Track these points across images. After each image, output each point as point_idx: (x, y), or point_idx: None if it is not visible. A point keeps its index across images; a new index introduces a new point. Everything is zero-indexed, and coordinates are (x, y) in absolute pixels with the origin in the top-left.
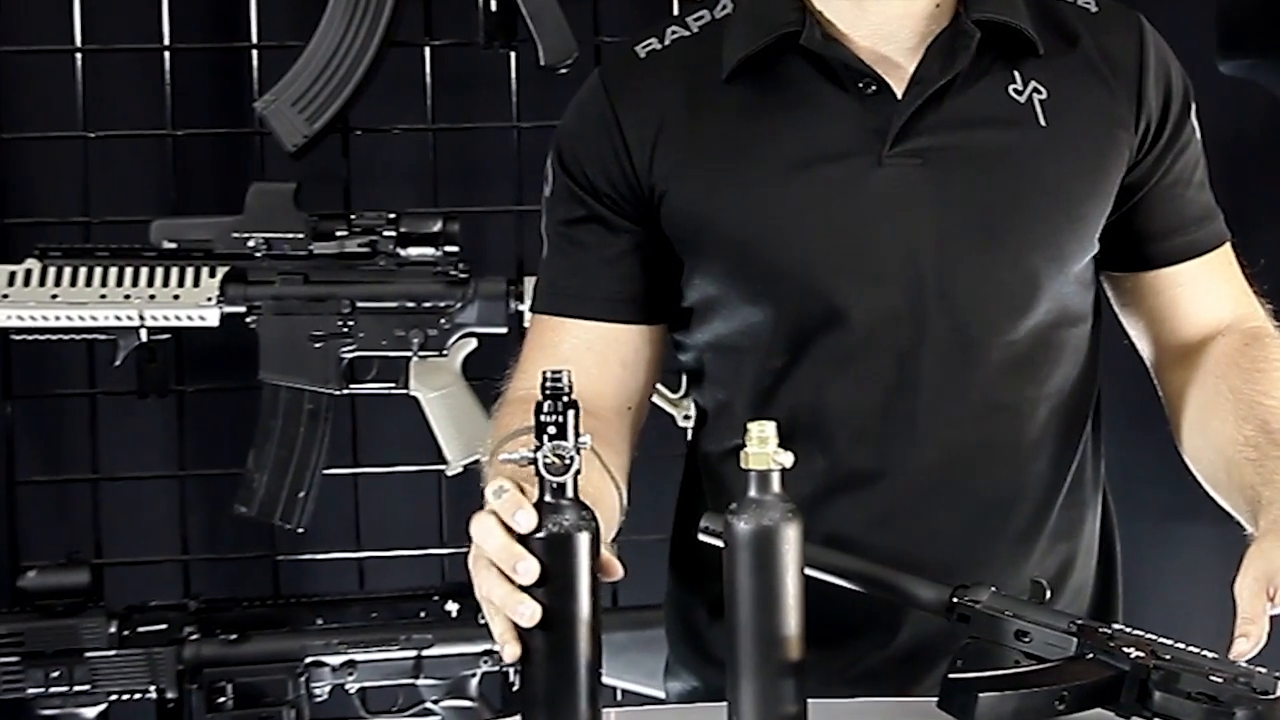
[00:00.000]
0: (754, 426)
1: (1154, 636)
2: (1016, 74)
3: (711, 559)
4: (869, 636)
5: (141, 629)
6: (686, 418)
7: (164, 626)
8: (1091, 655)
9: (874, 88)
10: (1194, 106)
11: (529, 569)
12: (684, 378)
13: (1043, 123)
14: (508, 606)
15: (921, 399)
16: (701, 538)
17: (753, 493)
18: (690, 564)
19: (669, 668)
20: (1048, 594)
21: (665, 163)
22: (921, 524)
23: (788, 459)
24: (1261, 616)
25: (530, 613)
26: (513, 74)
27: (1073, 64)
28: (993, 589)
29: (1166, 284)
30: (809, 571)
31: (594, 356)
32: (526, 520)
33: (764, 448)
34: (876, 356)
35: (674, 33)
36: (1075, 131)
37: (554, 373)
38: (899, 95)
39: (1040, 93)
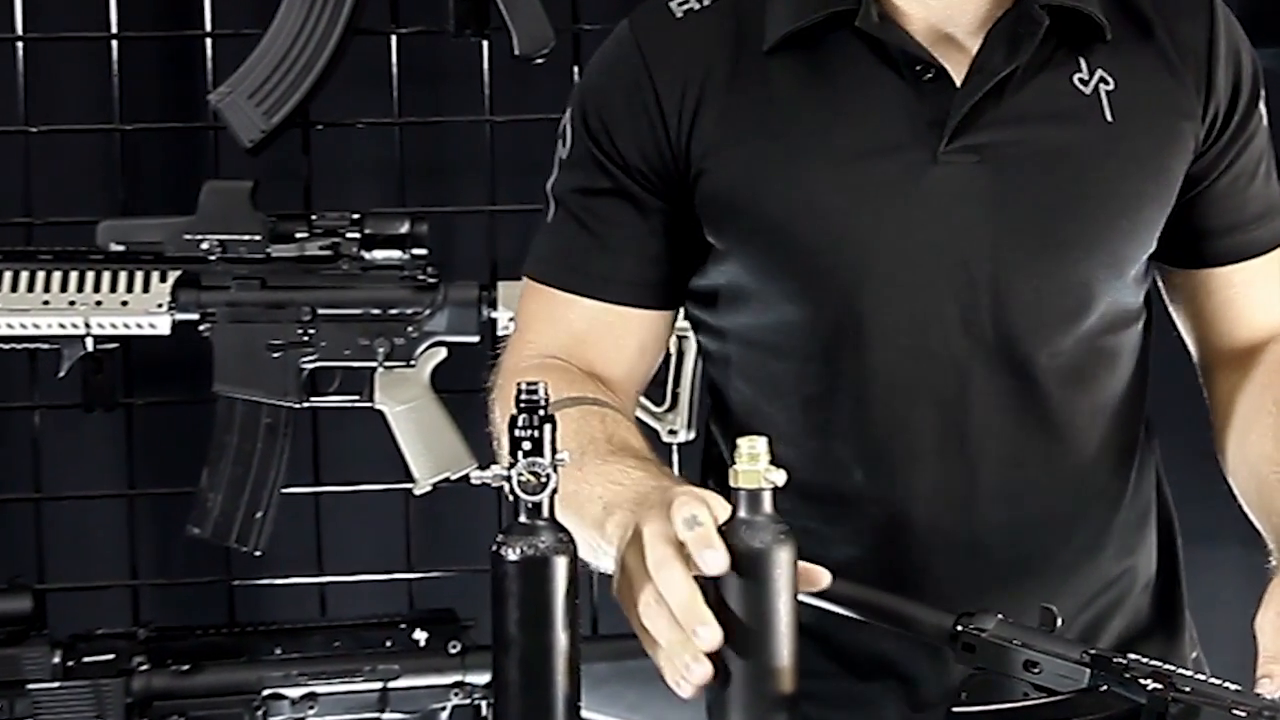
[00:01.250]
0: (744, 442)
1: (1172, 667)
2: (1083, 61)
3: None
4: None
5: (87, 659)
6: (671, 432)
7: (111, 656)
8: (1106, 687)
9: (931, 74)
10: (1264, 93)
11: (710, 637)
12: (669, 388)
13: (1109, 118)
14: (676, 655)
15: (973, 414)
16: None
17: (742, 513)
18: None
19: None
20: (1058, 622)
21: (704, 138)
22: (974, 544)
23: (780, 477)
24: None
25: (704, 673)
26: (485, 64)
27: (1141, 50)
28: (999, 616)
29: (1222, 283)
30: (805, 599)
31: (612, 339)
32: (716, 563)
33: (755, 465)
34: (924, 369)
35: None
36: (1141, 129)
37: (529, 384)
38: (958, 84)
39: (1107, 83)
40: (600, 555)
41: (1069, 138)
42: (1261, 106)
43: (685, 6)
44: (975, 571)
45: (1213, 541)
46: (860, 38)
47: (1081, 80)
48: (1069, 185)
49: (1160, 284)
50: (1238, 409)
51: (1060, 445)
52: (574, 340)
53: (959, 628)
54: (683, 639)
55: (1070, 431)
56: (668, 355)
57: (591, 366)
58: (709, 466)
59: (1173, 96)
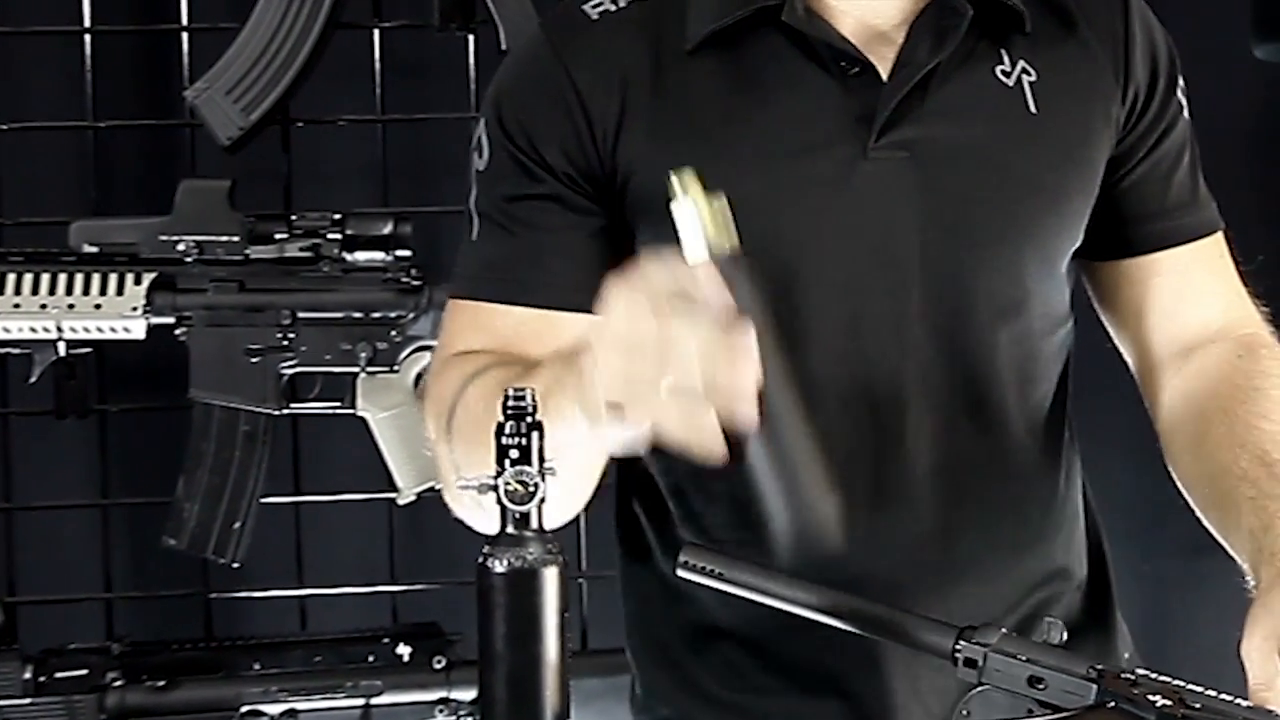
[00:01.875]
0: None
1: (1182, 682)
2: (1004, 53)
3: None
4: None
5: (60, 674)
6: None
7: (85, 672)
8: (1113, 704)
9: (858, 69)
10: (1180, 81)
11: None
12: None
13: (1032, 109)
14: (736, 386)
15: (908, 414)
16: (681, 574)
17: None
18: (651, 584)
19: (637, 699)
20: (1064, 636)
21: (631, 143)
22: (910, 544)
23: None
24: (1276, 678)
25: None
26: (471, 60)
27: (1061, 40)
28: (1003, 630)
29: (1149, 272)
30: (802, 612)
31: (540, 346)
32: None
33: None
34: (858, 370)
35: None
36: (1064, 119)
37: (517, 390)
38: (884, 78)
39: (1029, 74)
40: (554, 444)
41: (993, 131)
42: (1180, 95)
43: (600, 8)
44: (910, 570)
45: (1196, 555)
46: (785, 35)
47: (1004, 72)
48: (997, 181)
49: (1089, 285)
50: (1183, 417)
51: (994, 446)
52: (502, 347)
53: (961, 642)
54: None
55: (1004, 432)
56: None
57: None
58: (643, 485)
59: (1093, 85)
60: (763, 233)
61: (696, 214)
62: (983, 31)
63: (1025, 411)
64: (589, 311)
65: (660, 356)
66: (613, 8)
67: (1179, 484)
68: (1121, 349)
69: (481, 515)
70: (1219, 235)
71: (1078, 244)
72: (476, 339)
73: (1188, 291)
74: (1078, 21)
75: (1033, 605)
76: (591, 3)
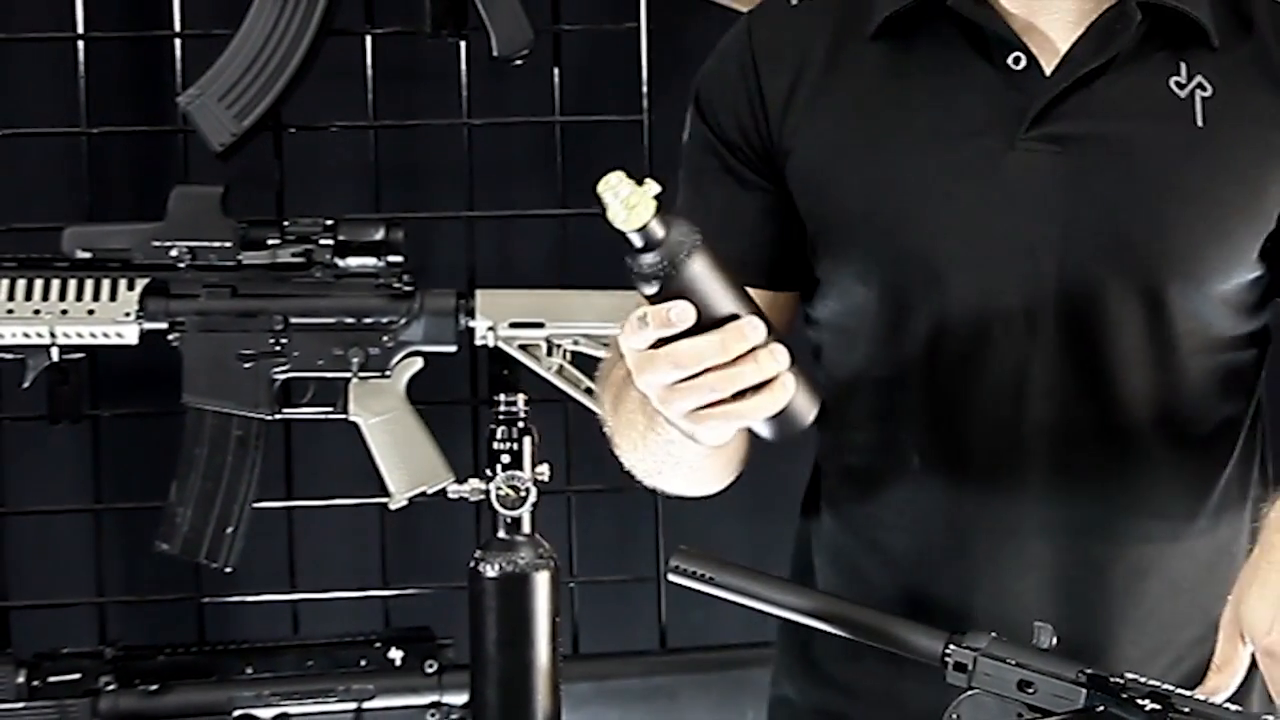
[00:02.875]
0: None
1: (1170, 687)
2: (1182, 65)
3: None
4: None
5: (53, 679)
6: None
7: (77, 676)
8: (1103, 708)
9: (1022, 62)
10: None
11: (750, 330)
12: None
13: (1199, 122)
14: (752, 369)
15: (1030, 411)
16: (672, 578)
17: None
18: (804, 562)
19: (775, 677)
20: (1053, 640)
21: (796, 118)
22: (1021, 544)
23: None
24: (1231, 663)
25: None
26: (462, 66)
27: (1246, 59)
28: (992, 635)
29: None
30: (793, 617)
31: None
32: (682, 313)
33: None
34: (984, 357)
35: None
36: (1235, 138)
37: (508, 399)
38: (1048, 73)
39: (1204, 89)
40: (668, 444)
41: (1154, 136)
42: None
43: None
44: (1019, 572)
45: None
46: (957, 26)
47: (1178, 84)
48: (1148, 185)
49: None
50: None
51: (1118, 455)
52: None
53: (950, 647)
54: (738, 372)
55: (1131, 444)
56: None
57: None
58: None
59: (1274, 111)
60: (904, 214)
61: (613, 200)
62: (1164, 42)
63: (1160, 430)
64: (759, 286)
65: (662, 364)
66: None
67: None
68: None
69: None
70: None
71: (1250, 273)
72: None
73: None
74: (1271, 47)
75: (1174, 652)
76: None
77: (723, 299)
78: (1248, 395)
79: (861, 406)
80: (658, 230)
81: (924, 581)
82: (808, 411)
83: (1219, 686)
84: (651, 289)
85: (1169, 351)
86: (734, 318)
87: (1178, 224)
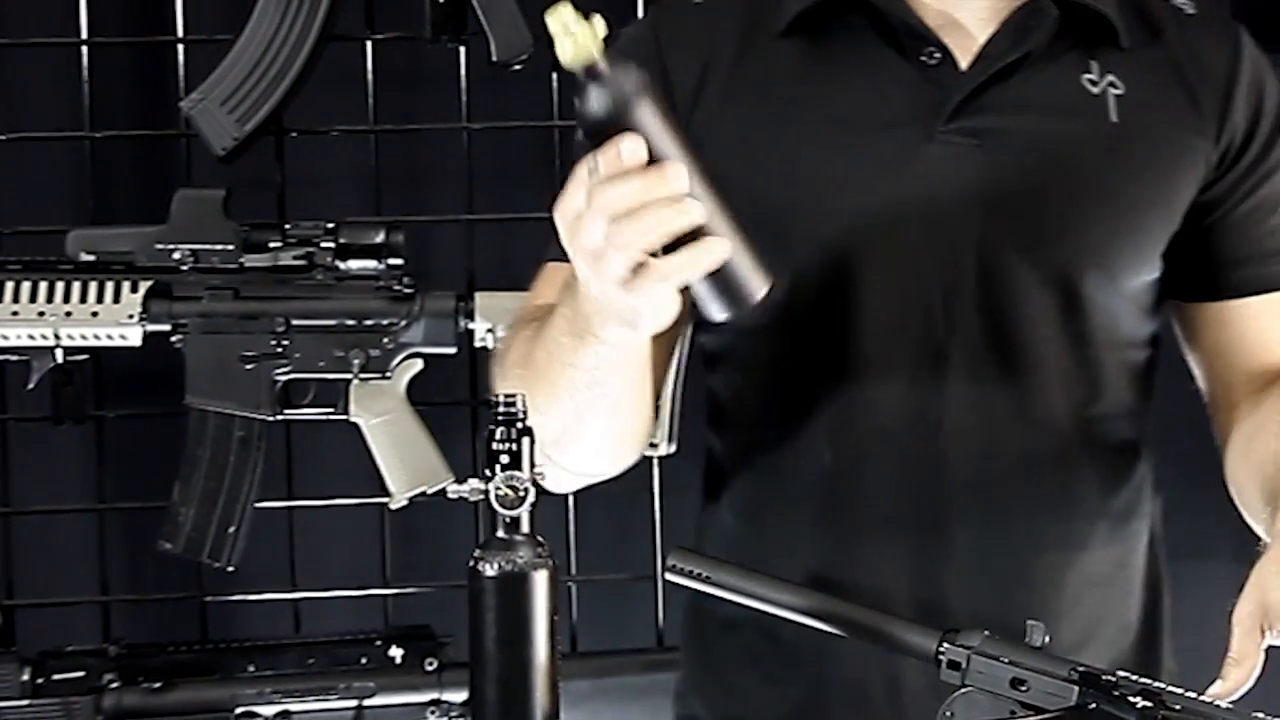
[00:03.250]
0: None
1: (1162, 685)
2: (1094, 63)
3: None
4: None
5: (57, 676)
6: (652, 445)
7: (81, 674)
8: (1095, 705)
9: (937, 57)
10: None
11: (679, 173)
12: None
13: (1114, 118)
14: (680, 210)
15: (949, 401)
16: (670, 577)
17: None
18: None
19: (678, 693)
20: (1045, 638)
21: (704, 113)
22: (940, 533)
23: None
24: (1250, 657)
25: (697, 208)
26: (462, 71)
27: (1157, 62)
28: (985, 633)
29: (1234, 316)
30: (787, 615)
31: None
32: (632, 148)
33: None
34: (903, 349)
35: None
36: (1148, 134)
37: (508, 396)
38: (963, 68)
39: (1116, 87)
40: (597, 359)
41: (1070, 132)
42: None
43: None
44: (935, 562)
45: (1208, 556)
46: (870, 19)
47: (1091, 80)
48: (1064, 177)
49: (1176, 323)
50: (1243, 424)
51: (1035, 443)
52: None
53: (944, 644)
54: (673, 209)
55: (1047, 434)
56: None
57: None
58: (710, 473)
59: (1185, 113)
60: (823, 206)
61: (559, 29)
62: (1076, 40)
63: (1078, 419)
64: None
65: (590, 220)
66: None
67: (1230, 488)
68: (1200, 384)
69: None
70: None
71: (1154, 270)
72: (546, 293)
73: (1273, 336)
74: (1179, 53)
75: (1078, 616)
76: None
77: (669, 146)
78: (1148, 399)
79: (770, 405)
80: (605, 68)
81: (845, 575)
82: (755, 280)
83: (1239, 681)
84: (600, 132)
85: (1084, 345)
86: None
87: (1094, 218)
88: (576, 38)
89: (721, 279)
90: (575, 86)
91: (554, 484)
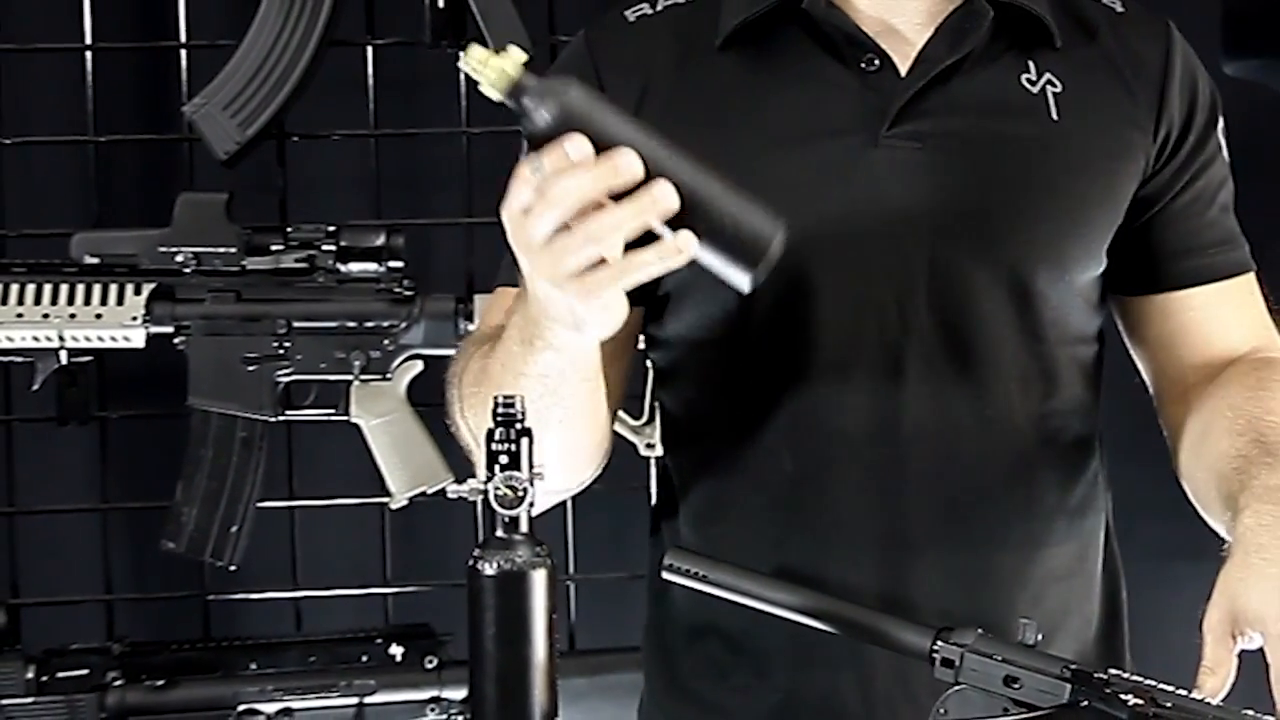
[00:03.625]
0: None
1: (1154, 682)
2: (1031, 64)
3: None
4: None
5: (61, 674)
6: (649, 446)
7: (86, 672)
8: (1087, 703)
9: (876, 64)
10: (1221, 123)
11: (629, 160)
12: (646, 400)
13: (1055, 116)
14: (644, 207)
15: (907, 403)
16: (666, 576)
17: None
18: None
19: (642, 706)
20: (1038, 636)
21: None
22: (902, 534)
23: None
24: (1224, 664)
25: (669, 190)
26: (461, 76)
27: (1092, 60)
28: (979, 631)
29: (1177, 308)
30: (783, 614)
31: None
32: (578, 146)
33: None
34: (858, 352)
35: (667, 0)
36: (1089, 130)
37: (506, 397)
38: (903, 73)
39: (1055, 85)
40: (548, 366)
41: (1014, 130)
42: (1220, 136)
43: (639, 12)
44: (899, 562)
45: (1196, 556)
46: (808, 29)
47: (1029, 80)
48: (1011, 177)
49: (1119, 318)
50: (1192, 425)
51: (993, 441)
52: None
53: (938, 642)
54: (630, 202)
55: (1004, 431)
56: (644, 370)
57: None
58: (664, 491)
59: (1123, 108)
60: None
61: (475, 67)
62: (1011, 41)
63: (1035, 416)
64: None
65: (537, 215)
66: (650, 11)
67: (1183, 483)
68: (1144, 375)
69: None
70: (1250, 276)
71: (1100, 265)
72: (496, 317)
73: (1214, 326)
74: (1114, 51)
75: (1042, 611)
76: (633, 8)
77: (621, 131)
78: (1098, 394)
79: (726, 415)
80: (531, 82)
81: (810, 578)
82: (765, 232)
83: (1215, 689)
84: (545, 140)
85: (1037, 341)
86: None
87: (1040, 215)
88: (490, 70)
89: (729, 245)
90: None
91: None
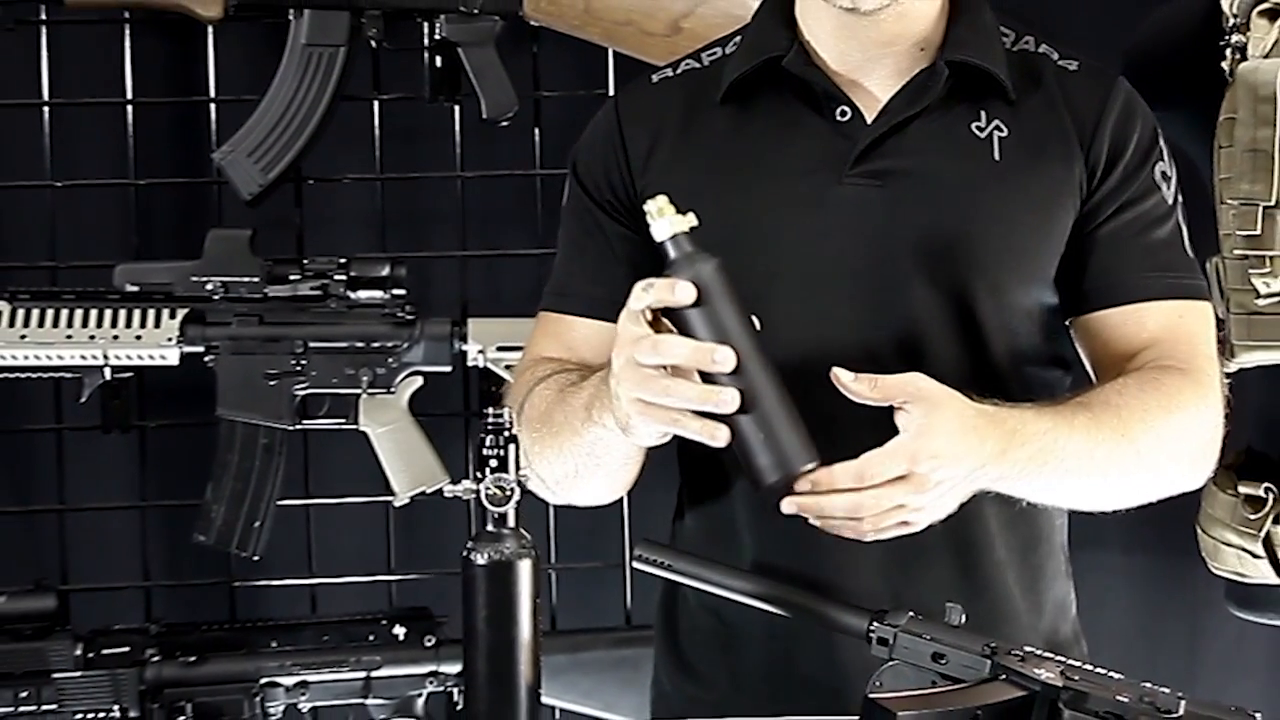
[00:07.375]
0: (652, 204)
1: (1064, 659)
2: (982, 113)
3: (700, 554)
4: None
5: (105, 651)
6: None
7: (127, 649)
8: (1005, 676)
9: (847, 114)
10: (1163, 170)
11: (727, 357)
12: None
13: (997, 157)
14: (709, 401)
15: (864, 412)
16: (637, 566)
17: (673, 254)
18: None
19: (654, 674)
20: (963, 618)
21: (654, 173)
22: (857, 549)
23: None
24: (878, 385)
25: (733, 399)
26: (456, 127)
27: (1038, 108)
28: (910, 614)
29: (1098, 328)
30: (736, 597)
31: (591, 350)
32: (685, 290)
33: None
34: (819, 367)
35: (687, 64)
36: (1027, 167)
37: (496, 410)
38: (869, 122)
39: (1001, 131)
40: (597, 439)
41: (959, 170)
42: (1157, 177)
43: (662, 75)
44: (859, 551)
45: (1100, 546)
46: (790, 84)
47: (979, 128)
48: (954, 210)
49: (1078, 345)
50: None
51: None
52: (569, 352)
53: (874, 624)
54: (704, 387)
55: None
56: None
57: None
58: (679, 497)
59: (1059, 146)
60: (749, 239)
61: (657, 215)
62: (967, 95)
63: None
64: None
65: (639, 348)
66: (671, 74)
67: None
68: None
69: (544, 490)
70: (1193, 304)
71: (1043, 290)
72: (548, 345)
73: (1136, 345)
74: (1058, 100)
75: (991, 597)
76: (658, 72)
77: (726, 316)
78: None
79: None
80: (686, 245)
81: (779, 564)
82: (799, 454)
83: (849, 380)
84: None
85: (983, 360)
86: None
87: (982, 243)
88: (665, 218)
89: (766, 447)
90: (663, 261)
91: (549, 497)
